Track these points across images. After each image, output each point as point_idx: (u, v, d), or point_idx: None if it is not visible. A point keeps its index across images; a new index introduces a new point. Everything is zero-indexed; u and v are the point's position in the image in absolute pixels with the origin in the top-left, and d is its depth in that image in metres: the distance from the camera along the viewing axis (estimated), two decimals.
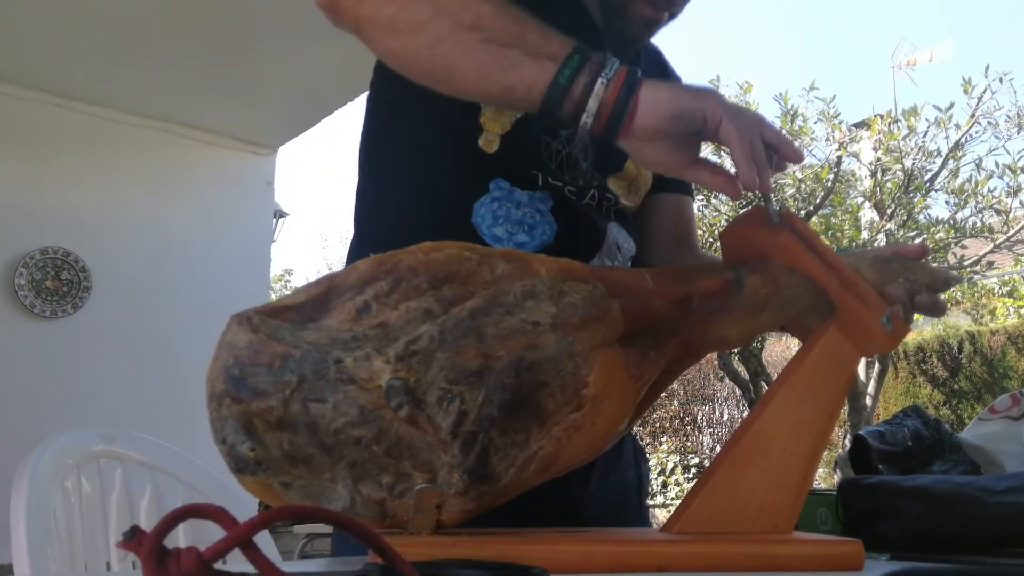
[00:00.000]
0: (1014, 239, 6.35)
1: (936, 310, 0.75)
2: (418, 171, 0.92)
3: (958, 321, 9.16)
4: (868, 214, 6.78)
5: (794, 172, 6.22)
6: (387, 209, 0.94)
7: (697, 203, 6.82)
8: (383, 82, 0.97)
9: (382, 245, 0.89)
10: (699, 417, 9.09)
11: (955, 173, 6.38)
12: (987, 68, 6.04)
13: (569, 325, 0.59)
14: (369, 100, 1.00)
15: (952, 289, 8.84)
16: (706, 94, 0.69)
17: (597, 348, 0.59)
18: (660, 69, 1.09)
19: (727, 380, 7.89)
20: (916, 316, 0.75)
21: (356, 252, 0.95)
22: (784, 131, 6.40)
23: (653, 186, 1.04)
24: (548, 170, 0.90)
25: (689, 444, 8.81)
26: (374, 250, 0.91)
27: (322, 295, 0.58)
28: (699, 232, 6.80)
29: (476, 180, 0.88)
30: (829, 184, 6.20)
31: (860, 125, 6.89)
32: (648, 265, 1.00)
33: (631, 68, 0.70)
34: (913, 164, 6.21)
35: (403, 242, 0.87)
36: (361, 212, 0.98)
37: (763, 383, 6.38)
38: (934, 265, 0.92)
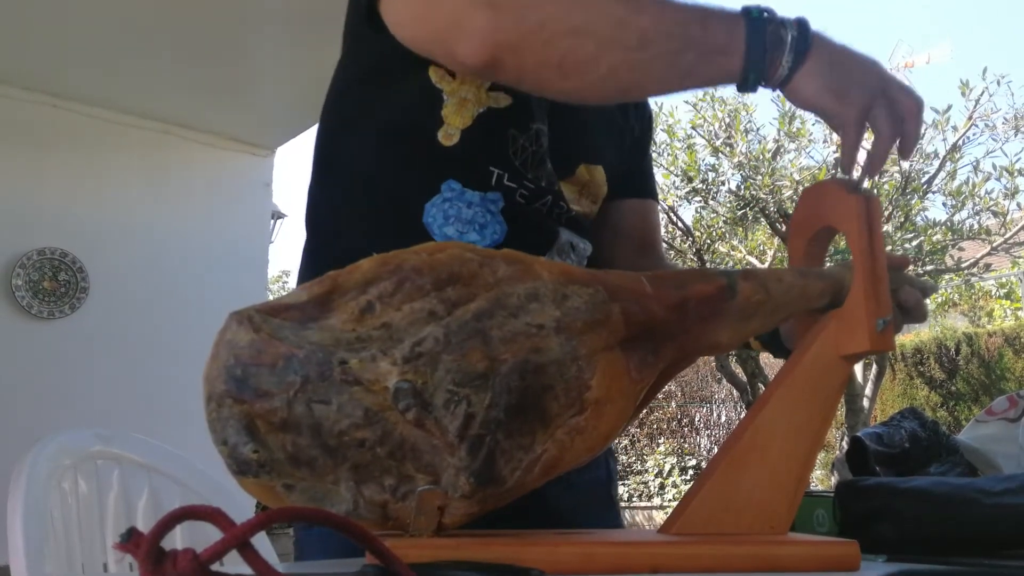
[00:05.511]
0: (1011, 241, 6.36)
1: (919, 317, 0.81)
2: (369, 166, 0.90)
3: (955, 323, 9.18)
4: None
5: (792, 174, 6.23)
6: (335, 202, 0.93)
7: (695, 204, 6.85)
8: (346, 79, 0.97)
9: (330, 238, 0.91)
10: (696, 419, 9.09)
11: (952, 175, 6.39)
12: (984, 70, 6.03)
13: (573, 328, 0.59)
14: (330, 98, 0.98)
15: (949, 290, 8.85)
16: (855, 98, 0.71)
17: (599, 352, 0.60)
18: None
19: (724, 382, 7.90)
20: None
21: (309, 251, 0.94)
22: (782, 132, 6.40)
23: (617, 191, 1.02)
24: (510, 167, 0.88)
25: (686, 446, 8.81)
26: (323, 243, 0.92)
27: (324, 294, 0.57)
28: (697, 233, 6.82)
29: (429, 180, 0.87)
30: None
31: None
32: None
33: (802, 43, 0.71)
34: (910, 166, 6.22)
35: (349, 239, 0.88)
36: (311, 210, 0.96)
37: (760, 385, 6.39)
38: (914, 275, 0.99)
